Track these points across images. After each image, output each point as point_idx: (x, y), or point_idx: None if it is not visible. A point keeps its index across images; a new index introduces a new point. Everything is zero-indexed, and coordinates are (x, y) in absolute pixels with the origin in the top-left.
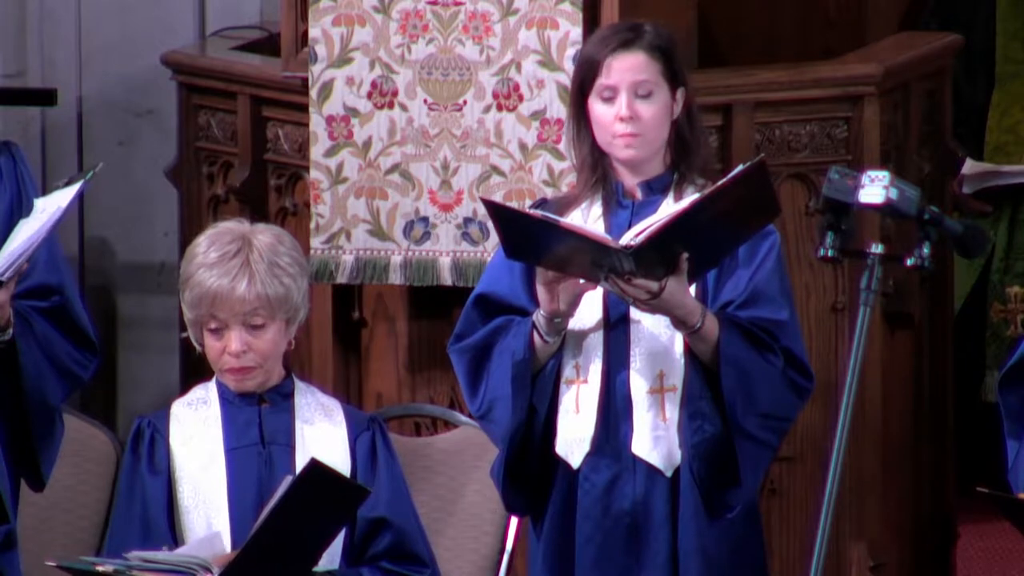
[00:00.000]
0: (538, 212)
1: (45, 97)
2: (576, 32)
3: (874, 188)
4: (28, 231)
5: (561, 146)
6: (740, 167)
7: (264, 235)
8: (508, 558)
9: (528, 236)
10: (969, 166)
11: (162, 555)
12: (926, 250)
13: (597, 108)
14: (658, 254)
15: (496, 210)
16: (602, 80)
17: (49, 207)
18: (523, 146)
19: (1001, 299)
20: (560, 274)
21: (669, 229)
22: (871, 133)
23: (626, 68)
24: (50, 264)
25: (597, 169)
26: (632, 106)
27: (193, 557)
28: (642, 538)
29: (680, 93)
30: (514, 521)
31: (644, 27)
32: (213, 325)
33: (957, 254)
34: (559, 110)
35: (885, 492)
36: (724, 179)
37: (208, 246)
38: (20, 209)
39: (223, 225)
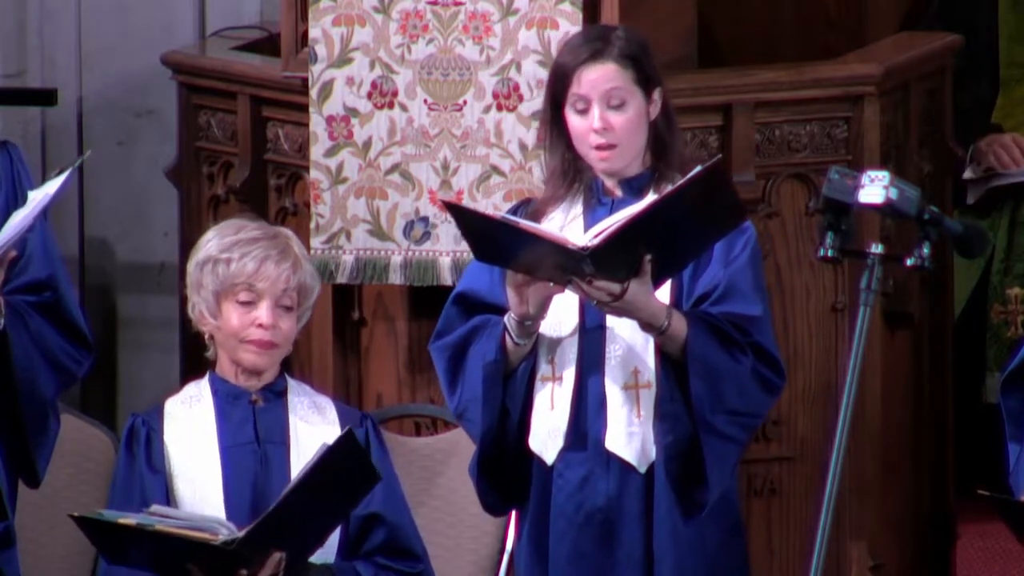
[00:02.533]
0: (498, 214)
1: (45, 97)
2: (576, 32)
3: (874, 188)
4: (17, 218)
5: None
6: (697, 168)
7: (291, 233)
8: (508, 558)
9: (492, 239)
10: (970, 174)
11: (182, 513)
12: (926, 250)
13: (572, 119)
14: (620, 256)
15: (458, 213)
16: (574, 90)
17: (39, 196)
18: (523, 146)
19: (1001, 300)
20: (529, 277)
21: (627, 231)
22: (871, 133)
23: (596, 80)
24: (44, 261)
25: (569, 174)
26: (605, 117)
27: (213, 518)
28: (615, 535)
29: (657, 93)
30: (514, 521)
31: (614, 34)
32: (244, 297)
33: (957, 254)
34: None
35: (885, 492)
36: (681, 181)
37: (235, 230)
38: (16, 208)
39: (238, 220)
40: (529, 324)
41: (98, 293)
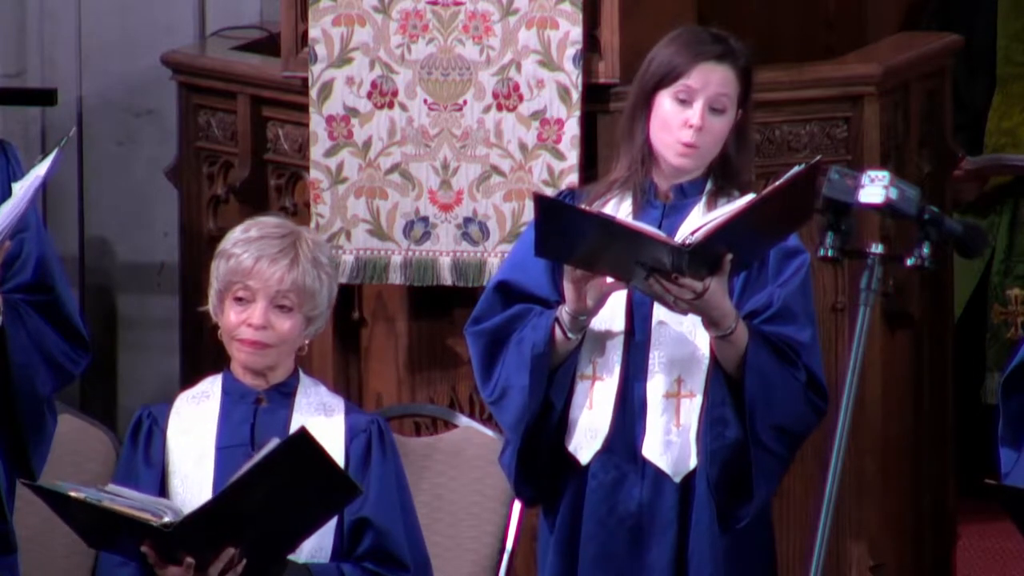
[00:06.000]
0: (593, 209)
1: (45, 97)
2: (576, 32)
3: (874, 188)
4: (7, 207)
5: (561, 146)
6: (796, 168)
7: (312, 234)
8: (508, 558)
9: (570, 233)
10: (969, 161)
11: (136, 494)
12: (926, 250)
13: (667, 105)
14: (709, 254)
15: (545, 204)
16: (686, 81)
17: (26, 184)
18: (523, 146)
19: (1001, 301)
20: (589, 272)
21: (726, 228)
22: (871, 133)
23: (715, 80)
24: (41, 261)
25: (643, 164)
26: (704, 117)
27: (166, 502)
28: (644, 542)
29: (739, 114)
30: (514, 521)
31: (734, 44)
32: (241, 294)
33: (957, 254)
34: (559, 110)
35: (885, 492)
36: (780, 180)
37: (249, 227)
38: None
39: (266, 218)
40: (583, 319)
41: (98, 293)
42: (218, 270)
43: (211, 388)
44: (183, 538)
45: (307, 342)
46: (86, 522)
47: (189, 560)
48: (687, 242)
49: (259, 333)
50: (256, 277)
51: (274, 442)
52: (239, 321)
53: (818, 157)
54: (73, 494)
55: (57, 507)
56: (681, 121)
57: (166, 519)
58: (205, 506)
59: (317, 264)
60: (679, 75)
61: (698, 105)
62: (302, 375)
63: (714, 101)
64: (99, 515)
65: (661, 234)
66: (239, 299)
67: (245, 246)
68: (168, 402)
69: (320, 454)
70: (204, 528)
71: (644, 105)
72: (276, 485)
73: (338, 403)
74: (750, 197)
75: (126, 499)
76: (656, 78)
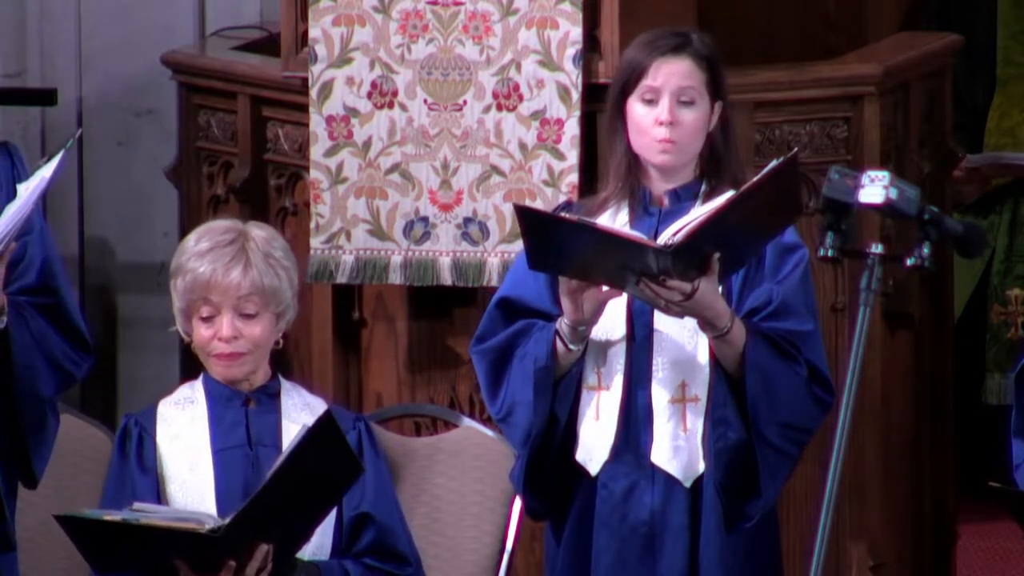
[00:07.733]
0: (574, 216)
1: (45, 97)
2: (576, 32)
3: (874, 188)
4: (12, 209)
5: (561, 146)
6: (774, 162)
7: (259, 229)
8: (508, 558)
9: (557, 243)
10: (969, 160)
11: (166, 508)
12: (926, 250)
13: (637, 109)
14: (694, 254)
15: (527, 216)
16: (647, 82)
17: (31, 185)
18: (523, 146)
19: (1001, 301)
20: (584, 282)
21: (708, 226)
22: (871, 133)
23: (673, 73)
24: (45, 264)
25: (631, 172)
26: (673, 111)
27: (197, 511)
28: (658, 548)
29: (718, 106)
30: (514, 521)
31: (691, 35)
32: (205, 312)
33: (957, 254)
34: (559, 110)
35: (885, 492)
36: (759, 175)
37: (199, 238)
38: None
39: (214, 223)
40: (582, 329)
41: (98, 293)
42: (176, 288)
43: (193, 393)
44: (229, 542)
45: (281, 335)
46: (110, 546)
47: (231, 563)
48: (669, 243)
49: (232, 344)
50: (214, 290)
51: (303, 428)
52: (210, 336)
53: (795, 150)
54: (108, 518)
55: (74, 532)
56: (652, 120)
57: (209, 525)
58: (249, 505)
59: (270, 260)
60: (640, 76)
61: (664, 101)
62: (281, 378)
63: (680, 94)
64: (135, 535)
65: (643, 237)
66: (206, 318)
67: (198, 260)
68: (151, 409)
69: (342, 435)
70: (247, 526)
71: (618, 115)
72: (306, 473)
73: (320, 403)
74: (730, 194)
75: (160, 514)
76: (620, 83)
